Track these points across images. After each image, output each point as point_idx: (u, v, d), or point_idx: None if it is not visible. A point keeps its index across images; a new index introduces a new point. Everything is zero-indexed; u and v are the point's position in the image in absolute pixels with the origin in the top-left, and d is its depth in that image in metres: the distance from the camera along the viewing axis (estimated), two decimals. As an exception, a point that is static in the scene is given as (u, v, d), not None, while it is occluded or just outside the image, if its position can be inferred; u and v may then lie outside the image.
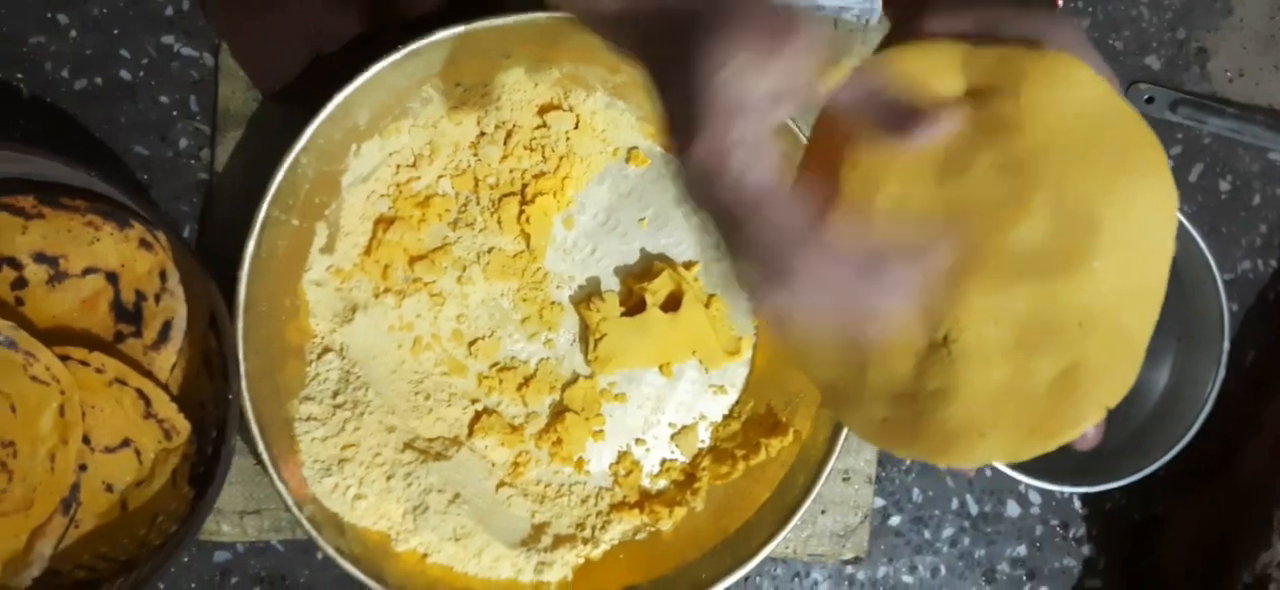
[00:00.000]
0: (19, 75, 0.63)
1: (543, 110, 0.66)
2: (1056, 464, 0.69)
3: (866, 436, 0.40)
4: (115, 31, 0.64)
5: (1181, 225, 0.67)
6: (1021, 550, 0.72)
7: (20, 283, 0.57)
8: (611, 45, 0.38)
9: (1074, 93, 0.37)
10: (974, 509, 0.72)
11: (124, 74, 0.64)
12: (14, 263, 0.56)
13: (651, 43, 0.36)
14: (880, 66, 0.38)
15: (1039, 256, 0.36)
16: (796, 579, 0.70)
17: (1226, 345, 0.68)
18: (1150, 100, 0.74)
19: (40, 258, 0.57)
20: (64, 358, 0.55)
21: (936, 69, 0.38)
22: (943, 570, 0.71)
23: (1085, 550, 0.73)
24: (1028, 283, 0.36)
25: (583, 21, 0.39)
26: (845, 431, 0.64)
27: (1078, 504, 0.73)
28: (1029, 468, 0.66)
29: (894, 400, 0.38)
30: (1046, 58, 0.37)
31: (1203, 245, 0.67)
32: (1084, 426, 0.37)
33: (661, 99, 0.35)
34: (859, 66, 0.37)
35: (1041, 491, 0.72)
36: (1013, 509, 0.72)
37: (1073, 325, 0.36)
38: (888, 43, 0.41)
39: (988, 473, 0.72)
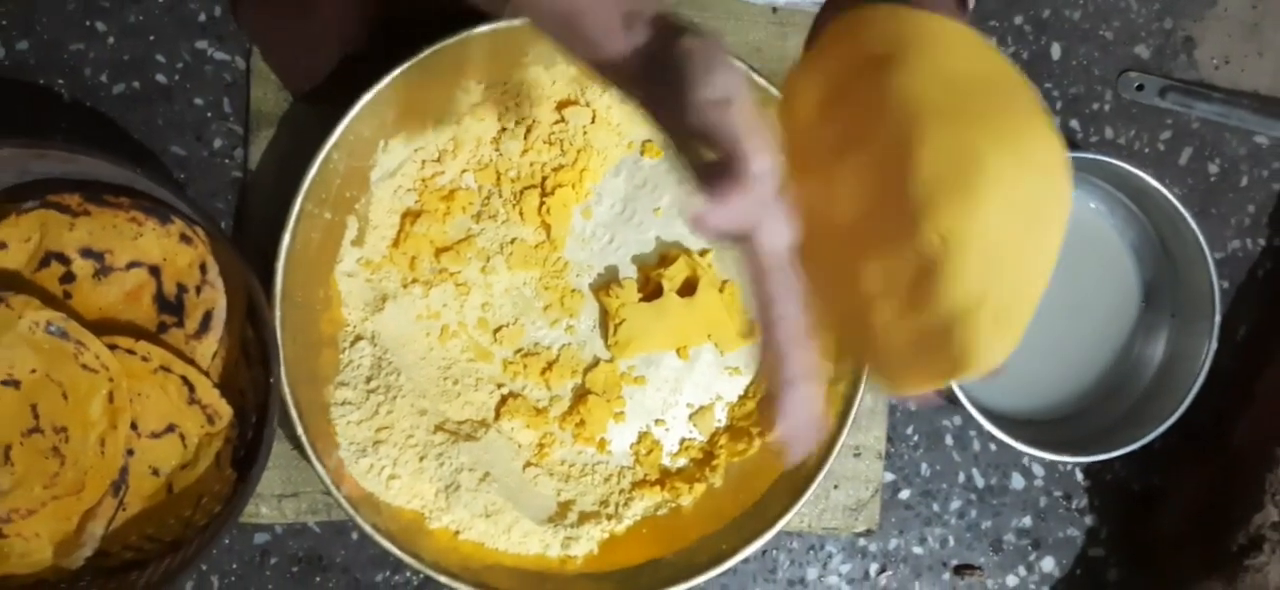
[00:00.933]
0: (60, 81, 0.66)
1: (560, 106, 0.68)
2: (1058, 436, 0.72)
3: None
4: (151, 38, 0.66)
5: (1174, 205, 0.70)
6: (1027, 521, 0.75)
7: (68, 277, 0.59)
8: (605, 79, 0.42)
9: (956, 54, 0.39)
10: (980, 482, 0.75)
11: (160, 78, 0.67)
12: (62, 258, 0.59)
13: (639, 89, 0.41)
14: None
15: (926, 207, 0.37)
16: (812, 551, 0.73)
17: (1218, 320, 0.71)
18: (1140, 88, 0.77)
19: (87, 253, 0.59)
20: (112, 347, 0.58)
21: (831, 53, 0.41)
22: (951, 541, 0.74)
23: (1088, 520, 0.76)
24: (917, 234, 0.38)
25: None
26: (855, 410, 0.67)
27: (1079, 475, 0.75)
28: (1032, 440, 0.69)
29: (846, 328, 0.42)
30: (932, 21, 0.39)
31: (1194, 225, 0.70)
32: (990, 363, 0.39)
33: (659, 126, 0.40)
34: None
35: (1045, 464, 0.75)
36: (1017, 481, 0.75)
37: (968, 272, 0.37)
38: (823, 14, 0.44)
39: (992, 447, 0.75)
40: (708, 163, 0.38)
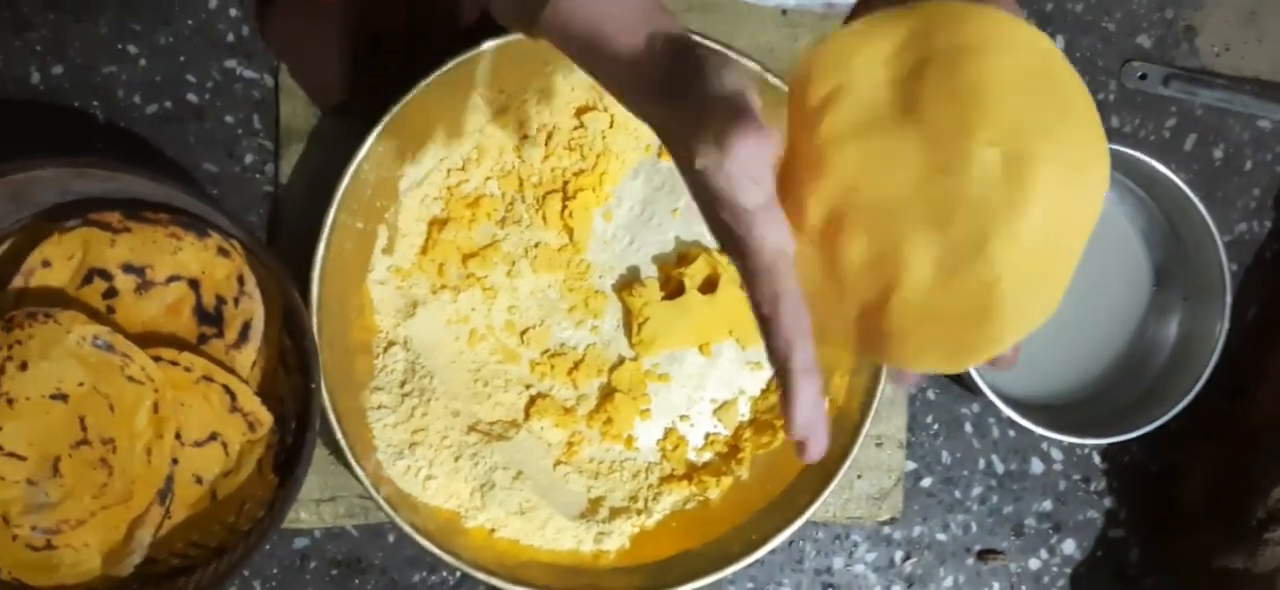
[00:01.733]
0: (95, 103, 0.68)
1: (579, 112, 0.70)
2: (1076, 420, 0.74)
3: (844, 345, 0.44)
4: (182, 58, 0.68)
5: (1181, 190, 0.72)
6: (1047, 505, 0.76)
7: (111, 292, 0.61)
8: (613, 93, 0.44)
9: (1015, 47, 0.40)
10: (1000, 468, 0.76)
11: (191, 97, 0.69)
12: (105, 274, 0.61)
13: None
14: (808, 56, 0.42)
15: (976, 194, 0.38)
16: (837, 541, 0.74)
17: (1228, 300, 0.72)
18: (1144, 77, 0.78)
19: (128, 268, 0.61)
20: (155, 358, 0.59)
21: (873, 43, 0.42)
22: (974, 527, 0.76)
23: (1107, 502, 0.77)
24: (962, 218, 0.39)
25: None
26: (877, 400, 0.69)
27: (1097, 458, 0.77)
28: (1050, 424, 0.70)
29: (861, 312, 0.42)
30: (988, 13, 0.40)
31: (1202, 208, 0.72)
32: (1003, 346, 0.40)
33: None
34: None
35: (1063, 448, 0.76)
36: (1036, 466, 0.76)
37: (997, 258, 0.39)
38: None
39: (1011, 434, 0.76)
40: (717, 119, 0.39)
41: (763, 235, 0.39)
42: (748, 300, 0.41)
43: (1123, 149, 0.71)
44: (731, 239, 0.40)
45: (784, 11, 0.74)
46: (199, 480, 0.62)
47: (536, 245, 0.70)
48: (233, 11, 0.69)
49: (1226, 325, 0.72)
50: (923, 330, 0.41)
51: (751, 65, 0.67)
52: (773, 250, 0.39)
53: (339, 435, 0.63)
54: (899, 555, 0.75)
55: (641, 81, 0.42)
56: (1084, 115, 0.40)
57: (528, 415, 0.69)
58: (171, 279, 0.62)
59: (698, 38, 0.43)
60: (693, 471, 0.70)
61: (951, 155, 0.39)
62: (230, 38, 0.69)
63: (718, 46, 0.42)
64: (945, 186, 0.39)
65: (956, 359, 0.41)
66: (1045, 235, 0.39)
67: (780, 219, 0.40)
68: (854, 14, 0.45)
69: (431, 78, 0.65)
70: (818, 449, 0.40)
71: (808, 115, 0.42)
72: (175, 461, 0.61)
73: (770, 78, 0.67)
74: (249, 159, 0.69)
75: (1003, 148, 0.39)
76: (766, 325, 0.40)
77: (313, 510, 0.68)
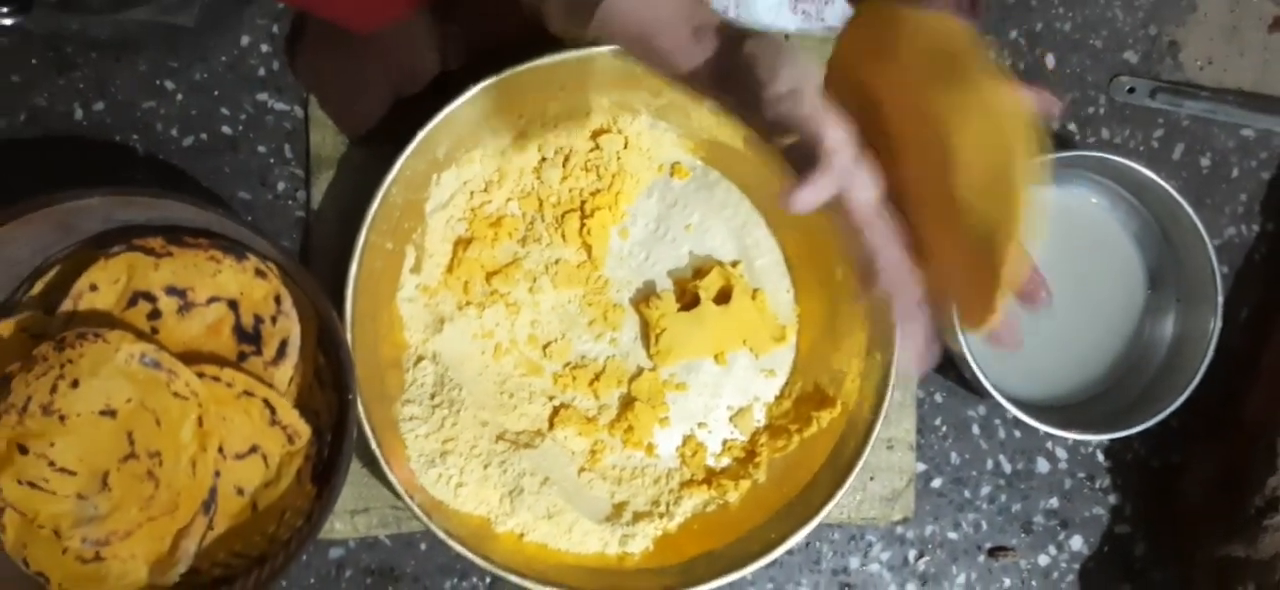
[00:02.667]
0: (134, 136, 0.71)
1: (595, 134, 0.74)
2: (1079, 419, 0.76)
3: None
4: (216, 93, 0.72)
5: (1172, 196, 0.75)
6: (1054, 503, 0.79)
7: (155, 314, 0.63)
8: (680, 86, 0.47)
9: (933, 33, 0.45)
10: (1007, 468, 0.79)
11: (226, 129, 0.72)
12: (149, 297, 0.63)
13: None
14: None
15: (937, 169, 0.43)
16: (853, 541, 0.77)
17: (1220, 299, 0.75)
18: (1132, 90, 0.82)
19: (171, 291, 0.64)
20: (199, 375, 0.62)
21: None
22: (984, 525, 0.78)
23: (1112, 499, 0.79)
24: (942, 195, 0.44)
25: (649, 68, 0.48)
26: (887, 403, 0.71)
27: (1101, 457, 0.80)
28: (1054, 424, 0.73)
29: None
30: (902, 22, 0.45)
31: (1192, 213, 0.75)
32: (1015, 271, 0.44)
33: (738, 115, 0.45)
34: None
35: (1067, 447, 0.79)
36: (1043, 465, 0.79)
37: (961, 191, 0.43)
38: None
39: (1017, 434, 0.79)
40: (789, 146, 0.42)
41: (858, 193, 0.43)
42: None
43: (1114, 158, 0.74)
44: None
45: (787, 36, 0.78)
46: (240, 492, 0.64)
47: (556, 262, 0.73)
48: (264, 48, 0.72)
49: (1219, 323, 0.75)
50: (964, 283, 0.45)
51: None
52: (866, 204, 0.43)
53: (373, 445, 0.65)
54: (912, 554, 0.77)
55: (696, 78, 0.45)
56: (974, 68, 0.44)
57: (552, 425, 0.72)
58: (212, 300, 0.64)
59: (738, 26, 0.45)
60: (712, 476, 0.73)
61: (910, 132, 0.44)
62: (261, 72, 0.72)
63: (765, 37, 0.44)
64: (926, 160, 0.44)
65: (992, 289, 0.44)
66: (979, 155, 0.43)
67: (865, 174, 0.43)
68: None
69: (454, 105, 0.68)
70: (926, 364, 0.44)
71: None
72: (217, 474, 0.63)
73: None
74: (281, 186, 0.72)
75: (931, 113, 0.43)
76: (870, 278, 0.43)
77: (347, 521, 0.70)
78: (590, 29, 0.46)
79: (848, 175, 0.42)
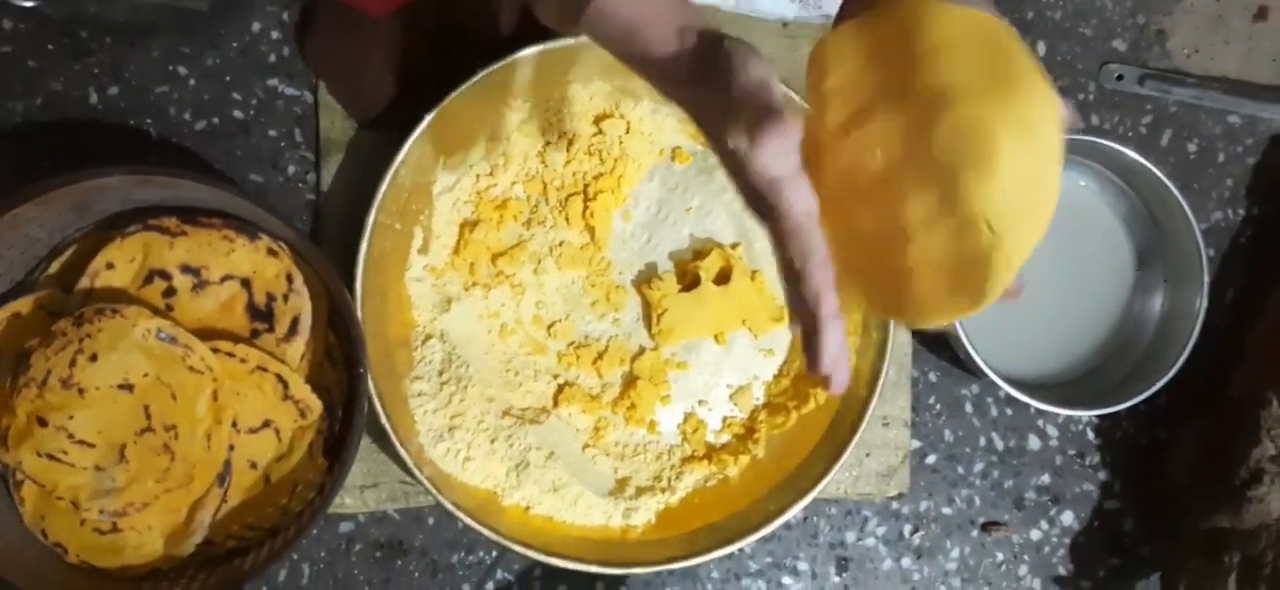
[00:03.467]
0: (148, 120, 0.72)
1: (598, 119, 0.75)
2: (1070, 397, 0.78)
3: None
4: (228, 78, 0.73)
5: (1160, 180, 0.77)
6: (1045, 479, 0.81)
7: (170, 291, 0.65)
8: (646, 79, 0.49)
9: (973, 35, 0.46)
10: (1000, 444, 0.81)
11: (237, 114, 0.74)
12: (164, 275, 0.65)
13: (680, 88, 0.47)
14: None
15: (950, 163, 0.44)
16: (849, 517, 0.78)
17: (1206, 279, 0.77)
18: (1120, 77, 0.84)
19: (186, 269, 0.65)
20: (213, 350, 0.64)
21: (862, 41, 0.48)
22: (977, 501, 0.80)
23: (1102, 475, 0.82)
24: (944, 184, 0.44)
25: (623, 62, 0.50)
26: (882, 381, 0.73)
27: (1091, 434, 0.82)
28: (1046, 401, 0.75)
29: (883, 277, 0.47)
30: (950, 10, 0.47)
31: (1179, 196, 0.77)
32: (1005, 283, 0.45)
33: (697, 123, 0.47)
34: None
35: (1058, 424, 0.81)
36: (1034, 442, 0.81)
37: (980, 209, 0.44)
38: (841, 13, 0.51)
39: (1009, 412, 0.81)
40: (737, 126, 0.44)
41: (792, 200, 0.44)
42: (778, 261, 0.46)
43: (1103, 142, 0.76)
44: (763, 205, 0.45)
45: (785, 24, 0.80)
46: (253, 465, 0.66)
47: (560, 244, 0.75)
48: (274, 34, 0.74)
49: (1205, 303, 0.77)
50: (935, 283, 0.46)
51: (769, 64, 0.72)
52: (801, 213, 0.44)
53: (383, 419, 0.67)
54: (908, 528, 0.79)
55: (673, 71, 0.48)
56: (1030, 80, 0.45)
57: (556, 403, 0.74)
58: (225, 278, 0.66)
59: (718, 29, 0.48)
60: (712, 452, 0.75)
61: (929, 133, 0.45)
62: (272, 58, 0.74)
63: (741, 40, 0.47)
64: (929, 160, 0.45)
65: (969, 302, 0.46)
66: (1016, 181, 0.44)
67: (806, 186, 0.45)
68: (842, 13, 0.51)
69: (460, 90, 0.70)
70: (841, 381, 0.45)
71: (819, 103, 0.48)
72: (231, 447, 0.65)
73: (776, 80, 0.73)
74: (292, 169, 0.74)
75: (967, 123, 0.44)
76: (796, 278, 0.44)
77: (357, 495, 0.72)
78: (581, 22, 0.48)
79: (793, 181, 0.44)
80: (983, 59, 0.46)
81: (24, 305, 0.64)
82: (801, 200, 0.45)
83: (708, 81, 0.46)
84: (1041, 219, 0.46)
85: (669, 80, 0.48)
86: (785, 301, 0.47)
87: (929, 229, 0.46)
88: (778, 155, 0.44)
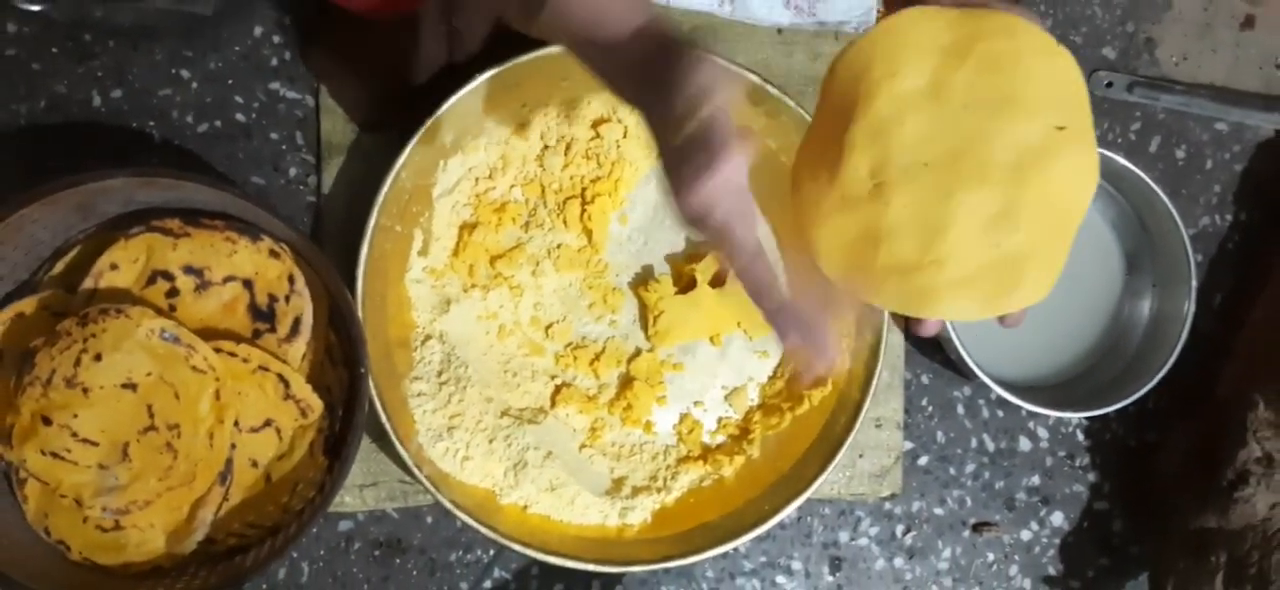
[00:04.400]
0: (151, 123, 0.73)
1: (595, 124, 0.76)
2: (1060, 398, 0.79)
3: (885, 302, 0.50)
4: (230, 82, 0.74)
5: (1148, 185, 0.78)
6: (1036, 480, 0.82)
7: (173, 292, 0.66)
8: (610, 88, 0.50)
9: (1039, 56, 0.48)
10: (991, 446, 0.82)
11: (239, 117, 0.74)
12: (167, 276, 0.66)
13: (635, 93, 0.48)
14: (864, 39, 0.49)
15: (1002, 172, 0.47)
16: (843, 517, 0.80)
17: (1194, 284, 0.78)
18: (1110, 84, 0.85)
19: (188, 270, 0.66)
20: (216, 350, 0.64)
21: (922, 29, 0.49)
22: (969, 501, 0.81)
23: (1091, 476, 0.83)
24: (992, 190, 0.47)
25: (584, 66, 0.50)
26: (875, 383, 0.74)
27: (1081, 436, 0.83)
28: (1037, 403, 0.76)
29: (901, 274, 0.49)
30: (1017, 22, 0.48)
31: (1167, 202, 0.78)
32: (1024, 302, 0.48)
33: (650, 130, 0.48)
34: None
35: (1048, 426, 0.82)
36: (1024, 444, 0.82)
37: (1020, 224, 0.47)
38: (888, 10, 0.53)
39: (1000, 414, 0.82)
40: (677, 147, 0.44)
41: (740, 238, 0.46)
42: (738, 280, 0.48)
43: (1092, 148, 0.77)
44: (703, 233, 0.46)
45: (779, 30, 0.81)
46: (255, 464, 0.67)
47: (558, 247, 0.76)
48: (276, 39, 0.75)
49: (1193, 307, 0.78)
50: (961, 281, 0.48)
51: (751, 76, 0.73)
52: (749, 251, 0.46)
53: (383, 419, 0.68)
54: (900, 529, 0.80)
55: (624, 71, 0.48)
56: (1089, 125, 0.48)
57: (554, 403, 0.75)
58: (228, 279, 0.67)
59: (675, 32, 0.47)
60: (707, 452, 0.76)
61: (993, 130, 0.46)
62: (274, 62, 0.75)
63: (692, 43, 0.46)
64: (989, 155, 0.46)
65: (990, 306, 0.48)
66: (1062, 209, 0.47)
67: (749, 213, 0.46)
68: (891, 5, 0.52)
69: (460, 93, 0.71)
70: (830, 364, 0.46)
71: (859, 91, 0.49)
72: (233, 446, 0.65)
73: (770, 88, 0.74)
74: (293, 172, 0.75)
75: (1040, 131, 0.46)
76: (757, 295, 0.47)
77: (356, 494, 0.73)
78: (539, 23, 0.48)
79: (737, 199, 0.45)
80: (1060, 91, 0.48)
81: (28, 305, 0.65)
82: (750, 226, 0.46)
83: (661, 77, 0.46)
84: (1062, 254, 0.49)
85: (618, 79, 0.49)
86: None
87: (973, 227, 0.47)
88: (716, 195, 0.45)
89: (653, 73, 0.46)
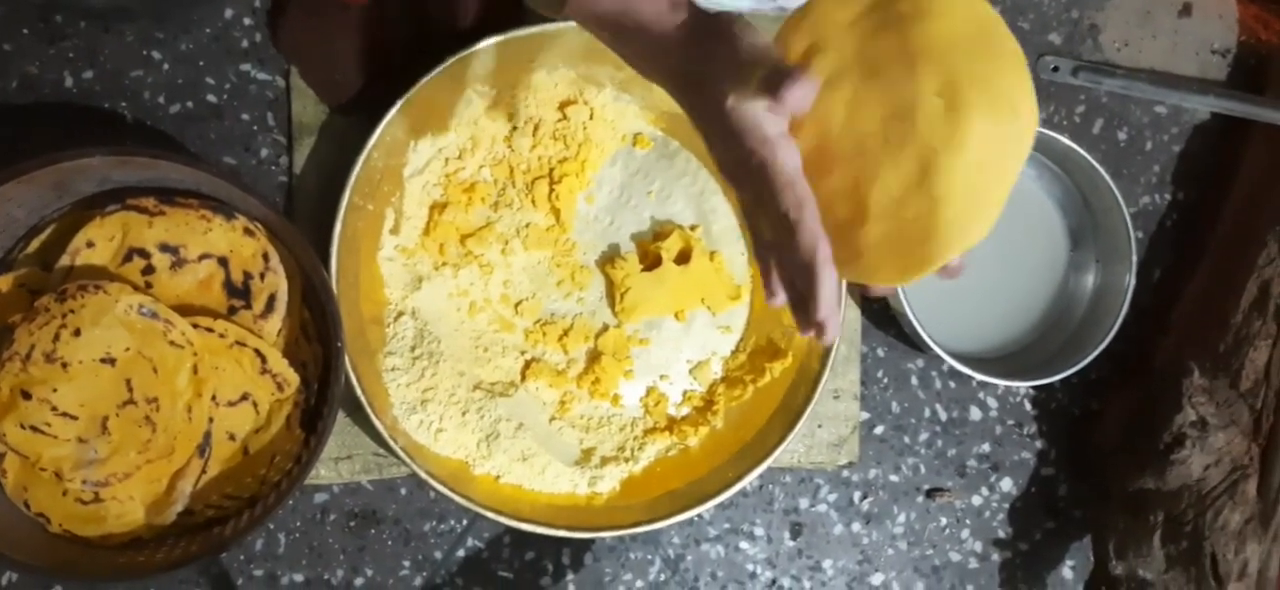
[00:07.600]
0: (123, 104, 0.74)
1: (563, 105, 0.78)
2: (1009, 368, 0.83)
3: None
4: (201, 63, 0.75)
5: (1092, 165, 0.82)
6: (986, 448, 0.86)
7: (149, 270, 0.67)
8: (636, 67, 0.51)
9: (958, 13, 0.48)
10: (943, 415, 0.85)
11: (211, 98, 0.75)
12: (143, 253, 0.67)
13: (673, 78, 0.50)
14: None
15: (923, 132, 0.47)
16: (802, 485, 0.83)
17: (1134, 259, 0.82)
18: (1056, 69, 0.89)
19: (164, 248, 0.67)
20: (193, 325, 0.66)
21: (842, 9, 0.50)
22: (922, 468, 0.85)
23: (1038, 444, 0.87)
24: (912, 153, 0.47)
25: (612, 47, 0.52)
26: (834, 354, 0.77)
27: (1028, 405, 0.87)
28: (987, 372, 0.80)
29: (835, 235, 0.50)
30: None
31: (1110, 181, 0.82)
32: (943, 262, 0.49)
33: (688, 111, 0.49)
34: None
35: (998, 396, 0.86)
36: (975, 413, 0.86)
37: (940, 184, 0.47)
38: None
39: (952, 385, 0.85)
40: (757, 81, 0.46)
41: (786, 156, 0.46)
42: (763, 224, 0.48)
43: (1039, 130, 0.80)
44: (755, 163, 0.46)
45: (739, 16, 0.83)
46: (232, 437, 0.68)
47: (527, 226, 0.78)
48: (247, 21, 0.76)
49: (1133, 281, 0.82)
50: (883, 247, 0.50)
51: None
52: (794, 167, 0.46)
53: (359, 392, 0.70)
54: (857, 495, 0.83)
55: (667, 45, 0.49)
56: (1015, 67, 0.48)
57: (524, 377, 0.77)
58: (203, 257, 0.68)
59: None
60: (673, 423, 0.79)
61: (903, 102, 0.48)
62: (245, 44, 0.76)
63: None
64: (900, 128, 0.48)
65: (909, 272, 0.50)
66: (980, 166, 0.48)
67: (793, 143, 0.47)
68: None
69: (431, 74, 0.72)
70: (834, 331, 0.47)
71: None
72: (211, 420, 0.67)
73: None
74: (264, 153, 0.76)
75: (945, 95, 0.47)
76: (793, 228, 0.46)
77: (331, 467, 0.75)
78: (568, 5, 0.50)
79: (785, 139, 0.47)
80: (970, 42, 0.47)
81: (4, 283, 0.66)
82: (793, 156, 0.47)
83: (712, 45, 0.47)
84: (993, 206, 0.48)
85: (661, 56, 0.50)
86: (765, 269, 0.50)
87: (889, 196, 0.49)
88: (775, 110, 0.46)
89: (702, 36, 0.48)
